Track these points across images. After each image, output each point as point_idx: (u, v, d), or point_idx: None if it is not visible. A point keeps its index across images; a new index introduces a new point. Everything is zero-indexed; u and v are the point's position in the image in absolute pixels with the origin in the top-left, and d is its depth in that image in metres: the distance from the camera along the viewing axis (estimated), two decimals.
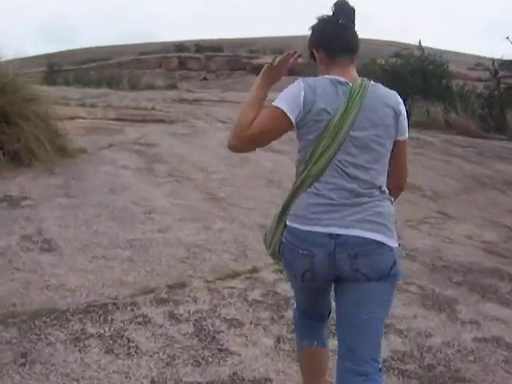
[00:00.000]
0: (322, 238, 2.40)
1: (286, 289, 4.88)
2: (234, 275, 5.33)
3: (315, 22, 2.63)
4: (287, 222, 2.52)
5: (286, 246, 2.52)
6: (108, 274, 5.09)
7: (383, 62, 21.45)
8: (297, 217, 2.47)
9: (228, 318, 4.52)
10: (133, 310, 4.50)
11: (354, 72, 2.59)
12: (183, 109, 14.95)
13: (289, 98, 2.46)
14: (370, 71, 22.53)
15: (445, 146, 14.08)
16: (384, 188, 2.54)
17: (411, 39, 57.64)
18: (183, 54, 46.05)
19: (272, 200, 7.10)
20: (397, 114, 2.55)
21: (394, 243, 2.49)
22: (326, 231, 2.40)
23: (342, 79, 2.50)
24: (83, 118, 11.67)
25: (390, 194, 2.59)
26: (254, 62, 43.00)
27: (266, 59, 43.74)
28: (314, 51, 2.62)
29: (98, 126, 11.22)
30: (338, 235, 2.39)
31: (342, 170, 2.44)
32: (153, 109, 13.91)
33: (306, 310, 2.86)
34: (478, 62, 42.86)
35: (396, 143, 2.57)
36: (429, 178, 10.29)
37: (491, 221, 8.28)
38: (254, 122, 2.47)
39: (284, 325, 4.46)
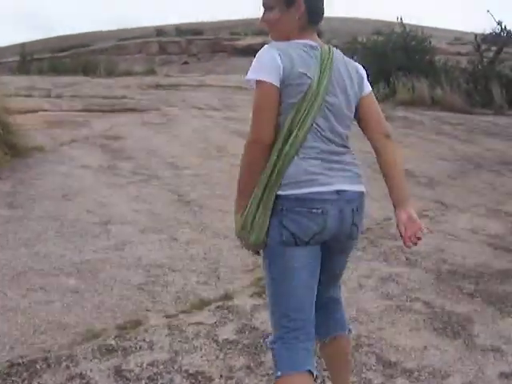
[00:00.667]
0: (331, 195, 2.35)
1: (265, 320, 3.78)
2: (202, 305, 4.20)
3: None
4: (283, 192, 2.33)
5: (290, 212, 2.32)
6: (44, 314, 3.94)
7: (364, 41, 20.22)
8: (296, 183, 2.33)
9: (191, 371, 3.40)
10: (68, 368, 3.36)
11: (317, 39, 2.49)
12: (158, 95, 13.77)
13: (265, 65, 2.31)
14: (351, 49, 21.47)
15: (433, 124, 13.01)
16: (349, 145, 2.54)
17: (389, 16, 56.27)
18: (163, 39, 44.57)
19: None
20: (359, 76, 2.53)
21: None
22: (332, 189, 2.35)
23: (313, 43, 2.42)
24: (46, 111, 10.46)
25: (383, 145, 2.58)
26: (235, 43, 41.85)
27: (248, 41, 42.70)
28: (297, 2, 2.40)
29: (61, 118, 10.03)
30: (344, 191, 2.38)
31: (321, 134, 2.38)
32: (124, 97, 12.70)
33: (299, 318, 2.42)
34: (456, 37, 41.99)
35: (365, 99, 2.55)
36: (421, 162, 9.24)
37: (493, 209, 7.22)
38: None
39: (263, 376, 3.36)
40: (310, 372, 2.36)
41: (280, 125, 2.36)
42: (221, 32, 46.87)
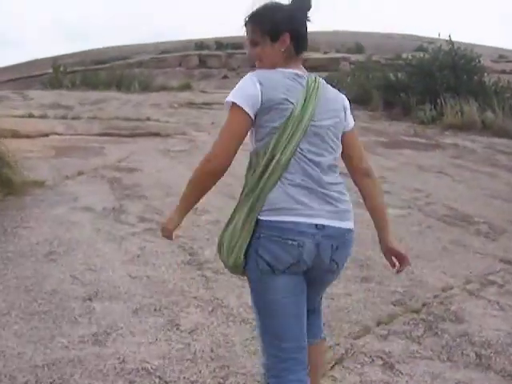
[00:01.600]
0: (309, 228, 2.27)
1: None
2: None
3: (288, 7, 2.40)
4: (263, 218, 2.27)
5: (266, 241, 2.26)
6: None
7: (410, 58, 18.72)
8: (276, 210, 2.27)
9: None
10: None
11: (302, 68, 2.44)
12: (187, 116, 12.51)
13: (243, 91, 2.28)
14: (395, 67, 20.04)
15: (487, 153, 11.48)
16: (339, 175, 2.44)
17: (429, 32, 54.51)
18: (203, 52, 43.61)
19: None
20: (345, 108, 2.49)
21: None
22: (311, 222, 2.27)
23: (299, 72, 2.39)
24: (59, 134, 9.23)
25: (365, 186, 2.56)
26: None
27: None
28: (282, 35, 2.35)
29: (73, 144, 8.81)
30: (323, 226, 2.29)
31: (307, 158, 2.32)
32: (148, 119, 11.43)
33: (294, 347, 2.34)
34: (501, 54, 40.29)
35: (348, 133, 2.50)
36: (477, 202, 7.78)
37: None
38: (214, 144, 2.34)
39: None
40: None
41: (261, 149, 2.33)
42: None
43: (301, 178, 2.31)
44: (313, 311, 2.60)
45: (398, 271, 2.61)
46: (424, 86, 17.01)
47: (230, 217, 2.42)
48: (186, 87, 22.67)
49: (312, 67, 37.97)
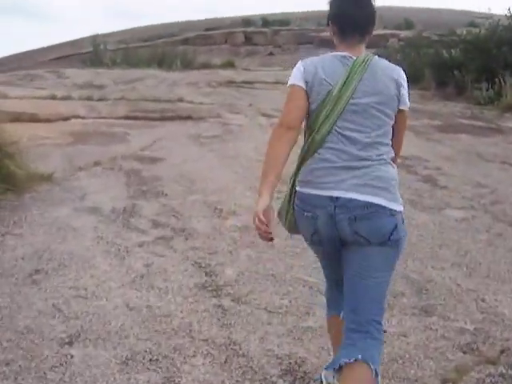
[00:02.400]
0: (323, 200, 2.37)
1: None
2: None
3: None
4: (297, 188, 2.47)
5: (296, 211, 2.47)
6: None
7: (464, 33, 17.22)
8: (304, 182, 2.44)
9: None
10: None
11: (361, 49, 2.49)
12: (225, 96, 11.42)
13: (294, 75, 2.45)
14: (447, 43, 18.57)
15: None
16: (387, 152, 2.45)
17: (480, 8, 51.90)
18: (249, 29, 42.33)
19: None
20: (398, 85, 2.45)
21: (396, 206, 2.39)
22: (326, 194, 2.36)
23: (346, 54, 2.46)
24: (81, 118, 8.23)
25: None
26: (321, 35, 39.28)
27: None
28: (330, 24, 2.53)
29: (95, 129, 7.83)
30: (337, 198, 2.34)
31: (342, 135, 2.39)
32: (180, 100, 10.36)
33: (332, 278, 2.68)
34: None
35: (400, 112, 2.49)
36: None
37: None
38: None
39: None
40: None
41: (306, 127, 2.47)
42: (307, 23, 44.30)
43: (331, 152, 2.38)
44: (351, 328, 2.43)
45: None
46: (480, 63, 15.55)
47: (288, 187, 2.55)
48: (229, 65, 21.59)
49: None
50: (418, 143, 8.61)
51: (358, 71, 2.40)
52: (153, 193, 5.77)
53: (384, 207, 2.35)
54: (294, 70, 2.48)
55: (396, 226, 2.37)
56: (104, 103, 9.83)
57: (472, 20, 40.93)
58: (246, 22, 44.46)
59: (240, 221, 5.12)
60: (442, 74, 16.73)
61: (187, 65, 21.43)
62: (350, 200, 2.33)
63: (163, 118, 8.96)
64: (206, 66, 21.67)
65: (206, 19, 48.11)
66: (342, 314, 2.54)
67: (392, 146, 2.50)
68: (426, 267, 4.44)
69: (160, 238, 4.70)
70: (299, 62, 2.50)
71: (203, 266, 4.24)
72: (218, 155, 7.23)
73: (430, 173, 7.15)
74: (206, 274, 4.13)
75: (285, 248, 4.58)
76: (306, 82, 2.41)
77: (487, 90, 14.60)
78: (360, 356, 2.31)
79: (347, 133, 2.39)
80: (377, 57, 2.50)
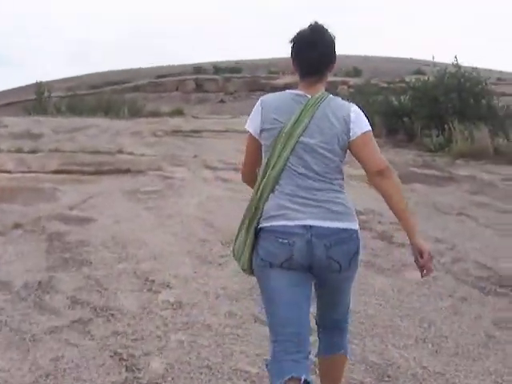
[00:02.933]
0: (298, 229, 2.44)
1: None
2: None
3: (294, 36, 2.61)
4: (262, 225, 2.50)
5: (264, 241, 2.49)
6: None
7: (413, 81, 16.98)
8: (271, 217, 2.48)
9: None
10: None
11: (318, 88, 2.58)
12: (168, 147, 10.75)
13: (250, 116, 2.59)
14: (396, 90, 18.34)
15: (509, 187, 9.66)
16: (339, 186, 2.56)
17: (425, 55, 52.71)
18: (200, 76, 42.09)
19: None
20: (346, 122, 2.52)
21: (357, 227, 2.53)
22: (301, 224, 2.43)
23: (301, 92, 2.56)
24: (8, 172, 7.42)
25: (377, 185, 2.56)
26: (273, 82, 39.16)
27: (286, 79, 40.04)
28: (292, 64, 2.63)
29: (22, 185, 7.05)
30: (311, 226, 2.43)
31: (296, 171, 2.49)
32: (120, 151, 9.64)
33: (285, 324, 2.51)
34: (498, 77, 38.80)
35: (353, 142, 2.53)
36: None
37: None
38: None
39: None
40: (294, 378, 2.39)
41: (261, 166, 2.58)
42: (259, 70, 44.27)
43: (290, 188, 2.49)
44: (334, 326, 2.74)
45: (422, 275, 2.57)
46: (429, 110, 15.28)
47: (238, 228, 2.62)
48: (178, 113, 21.07)
49: None
50: (372, 195, 8.05)
51: (309, 110, 2.50)
52: (76, 261, 5.02)
53: (351, 230, 2.50)
54: (253, 110, 2.60)
55: (358, 246, 2.52)
56: (35, 156, 9.05)
57: (418, 67, 41.56)
58: (198, 69, 44.26)
59: (174, 295, 4.40)
60: (392, 122, 16.42)
61: (135, 113, 20.83)
62: (323, 228, 2.44)
63: (99, 172, 8.22)
64: (154, 114, 21.10)
65: (157, 66, 47.73)
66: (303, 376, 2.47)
67: (367, 169, 2.55)
68: (386, 346, 3.81)
69: (76, 321, 3.92)
70: (259, 100, 2.62)
71: (125, 357, 3.49)
72: (155, 214, 6.52)
73: (386, 228, 6.57)
74: (128, 368, 3.37)
75: (224, 328, 3.89)
76: (261, 122, 2.54)
77: (437, 137, 14.29)
78: (342, 350, 2.74)
79: (300, 169, 2.48)
80: (331, 96, 2.58)
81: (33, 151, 9.38)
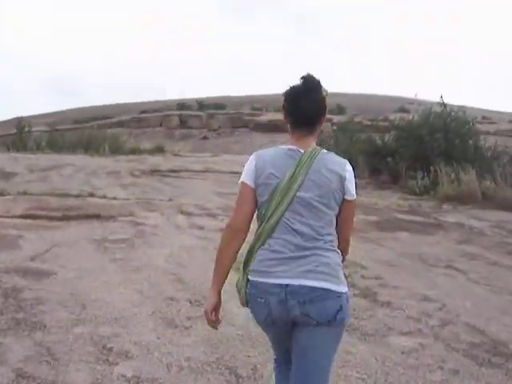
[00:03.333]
0: (274, 287, 2.48)
1: None
2: None
3: (287, 89, 2.66)
4: (249, 277, 2.58)
5: (249, 297, 2.58)
6: None
7: (397, 120, 16.76)
8: (255, 272, 2.55)
9: None
10: None
11: (310, 141, 2.65)
12: (144, 189, 10.29)
13: (245, 170, 2.62)
14: (380, 129, 18.11)
15: (499, 235, 9.28)
16: (330, 241, 2.59)
17: (410, 93, 52.71)
18: (184, 112, 41.82)
19: None
20: (342, 179, 2.58)
21: (341, 288, 2.53)
22: (277, 282, 2.48)
23: (294, 147, 2.61)
24: None
25: (341, 247, 2.64)
26: (257, 119, 39.00)
27: (269, 116, 39.83)
28: (285, 115, 2.68)
29: None
30: (286, 285, 2.47)
31: (290, 226, 2.52)
32: (91, 194, 9.17)
33: (281, 359, 2.82)
34: (483, 115, 38.81)
35: (345, 203, 2.62)
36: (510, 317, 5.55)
37: None
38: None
39: None
40: None
41: (257, 218, 2.62)
42: (243, 107, 44.14)
43: (281, 243, 2.52)
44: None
45: None
46: (414, 151, 15.00)
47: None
48: (158, 150, 20.62)
49: None
50: (354, 245, 7.63)
51: (304, 165, 2.53)
52: (29, 324, 4.51)
53: (330, 290, 2.48)
54: (247, 164, 2.63)
55: (341, 307, 2.51)
56: (3, 199, 8.55)
57: (402, 105, 41.59)
58: (182, 105, 44.04)
59: (132, 368, 3.90)
60: (376, 161, 16.13)
61: (116, 150, 20.41)
62: (299, 286, 2.46)
63: (67, 218, 7.71)
64: (135, 151, 20.69)
65: (141, 102, 47.50)
66: None
67: (338, 234, 2.64)
68: None
69: None
70: (253, 155, 2.65)
71: None
72: (121, 267, 6.03)
73: (369, 284, 6.14)
74: None
75: None
76: (256, 177, 2.56)
77: (422, 179, 13.97)
78: None
79: (295, 225, 2.52)
80: (324, 151, 2.62)
81: (1, 193, 8.87)
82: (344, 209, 2.62)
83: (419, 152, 14.99)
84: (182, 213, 8.48)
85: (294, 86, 2.65)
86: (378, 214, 9.92)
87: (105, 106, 46.67)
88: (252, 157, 2.64)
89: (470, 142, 15.34)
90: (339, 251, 2.63)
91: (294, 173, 2.52)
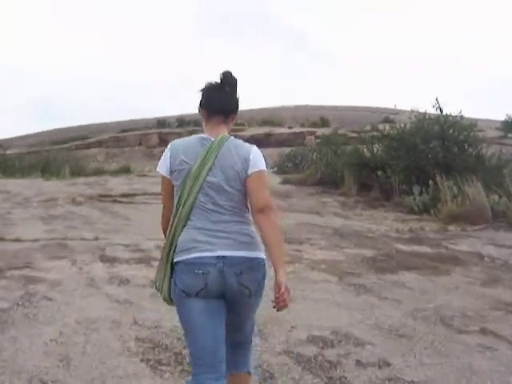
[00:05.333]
0: (211, 259, 2.53)
1: None
2: None
3: (204, 86, 2.74)
4: (176, 259, 2.58)
5: (180, 273, 2.57)
6: None
7: (386, 129, 14.30)
8: (185, 250, 2.56)
9: None
10: None
11: (222, 130, 2.70)
12: (71, 223, 7.78)
13: (161, 160, 2.68)
14: (366, 140, 15.68)
15: None
16: (245, 218, 2.66)
17: (389, 105, 50.29)
18: (164, 130, 39.41)
19: None
20: (247, 161, 2.64)
21: (263, 255, 2.63)
22: (213, 254, 2.53)
23: (205, 136, 2.68)
24: None
25: (257, 220, 2.64)
26: (238, 134, 36.67)
27: (251, 131, 37.51)
28: (199, 109, 2.76)
29: None
30: (223, 256, 2.54)
31: (204, 207, 2.59)
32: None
33: (203, 354, 2.62)
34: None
35: (248, 178, 2.65)
36: None
37: None
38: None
39: None
40: None
41: (175, 203, 2.65)
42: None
43: (201, 222, 2.58)
44: (239, 345, 2.81)
45: (277, 308, 2.61)
46: (407, 162, 12.57)
47: (158, 263, 2.70)
48: (125, 171, 18.18)
49: (277, 142, 33.68)
50: (343, 300, 5.15)
51: (213, 151, 2.61)
52: None
53: (257, 258, 2.61)
54: (164, 153, 2.69)
55: (265, 274, 2.63)
56: None
57: (387, 116, 39.24)
58: (162, 122, 41.55)
59: None
60: (364, 176, 13.73)
61: (78, 172, 18.02)
62: (234, 258, 2.55)
63: None
64: (98, 172, 18.28)
65: (121, 121, 45.02)
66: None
67: (252, 207, 2.64)
68: None
69: None
70: (169, 145, 2.72)
71: None
72: None
73: (372, 378, 3.68)
74: None
75: None
76: (170, 164, 2.62)
77: (420, 195, 11.53)
78: (246, 370, 2.82)
79: (209, 205, 2.59)
80: (232, 137, 2.69)
81: None
82: (248, 182, 2.62)
83: (413, 163, 12.58)
84: (104, 259, 5.94)
85: (210, 82, 2.72)
86: (374, 245, 7.40)
87: (83, 126, 44.25)
88: (168, 146, 2.71)
89: (470, 149, 12.95)
90: (253, 225, 2.65)
91: (203, 158, 2.59)
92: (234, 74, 2.72)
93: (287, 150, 22.42)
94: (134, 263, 5.78)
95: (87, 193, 10.96)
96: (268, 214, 2.60)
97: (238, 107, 2.73)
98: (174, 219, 2.60)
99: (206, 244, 2.54)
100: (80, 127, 45.34)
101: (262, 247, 2.61)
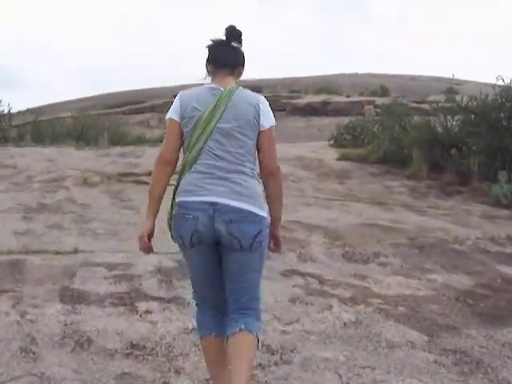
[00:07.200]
0: (203, 205, 2.50)
1: None
2: None
3: (210, 42, 2.74)
4: (176, 199, 2.58)
5: (176, 217, 2.56)
6: None
7: (463, 100, 11.69)
8: (183, 191, 2.56)
9: None
10: None
11: (230, 81, 2.68)
12: (62, 219, 5.77)
13: (172, 108, 2.64)
14: (432, 112, 13.23)
15: None
16: (250, 168, 2.61)
17: (458, 74, 46.34)
18: None
19: None
20: (257, 110, 2.62)
21: (261, 213, 2.57)
22: (206, 200, 2.50)
23: (215, 86, 2.65)
24: None
25: (266, 182, 2.65)
26: (294, 102, 34.37)
27: (307, 99, 35.10)
28: (207, 65, 2.75)
29: None
30: (215, 203, 2.50)
31: (212, 153, 2.56)
32: None
33: (203, 296, 2.72)
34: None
35: (261, 133, 2.63)
36: None
37: None
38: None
39: None
40: (216, 335, 2.62)
41: (184, 148, 2.62)
42: (280, 89, 39.38)
43: (206, 167, 2.54)
44: (235, 310, 2.62)
45: (273, 251, 2.75)
46: (490, 142, 10.10)
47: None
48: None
49: (335, 110, 31.08)
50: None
51: (224, 100, 2.59)
52: None
53: (252, 213, 2.53)
54: (173, 103, 2.66)
55: (261, 230, 2.55)
56: None
57: (450, 86, 35.92)
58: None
59: None
60: (436, 155, 11.35)
61: (118, 140, 16.15)
62: (226, 205, 2.50)
63: None
64: (138, 140, 16.39)
65: (173, 86, 43.18)
66: (213, 334, 2.64)
67: (261, 164, 2.64)
68: None
69: None
70: (178, 95, 2.69)
71: None
72: None
73: None
74: None
75: None
76: (181, 112, 2.59)
77: (508, 182, 9.14)
78: (243, 326, 2.54)
79: (217, 151, 2.56)
80: (241, 87, 2.66)
81: None
82: (260, 138, 2.62)
83: (497, 142, 10.11)
84: (65, 296, 3.75)
85: (218, 39, 2.71)
86: (467, 266, 5.06)
87: (137, 91, 42.64)
88: (177, 96, 2.67)
89: None
90: (260, 180, 2.65)
91: (214, 106, 2.56)
92: (238, 28, 2.73)
93: (345, 119, 19.88)
94: (111, 305, 3.61)
95: (108, 169, 9.01)
96: (278, 178, 2.67)
97: (244, 60, 2.76)
98: (182, 161, 2.61)
99: (203, 189, 2.53)
100: (133, 91, 43.79)
101: (265, 206, 2.60)
